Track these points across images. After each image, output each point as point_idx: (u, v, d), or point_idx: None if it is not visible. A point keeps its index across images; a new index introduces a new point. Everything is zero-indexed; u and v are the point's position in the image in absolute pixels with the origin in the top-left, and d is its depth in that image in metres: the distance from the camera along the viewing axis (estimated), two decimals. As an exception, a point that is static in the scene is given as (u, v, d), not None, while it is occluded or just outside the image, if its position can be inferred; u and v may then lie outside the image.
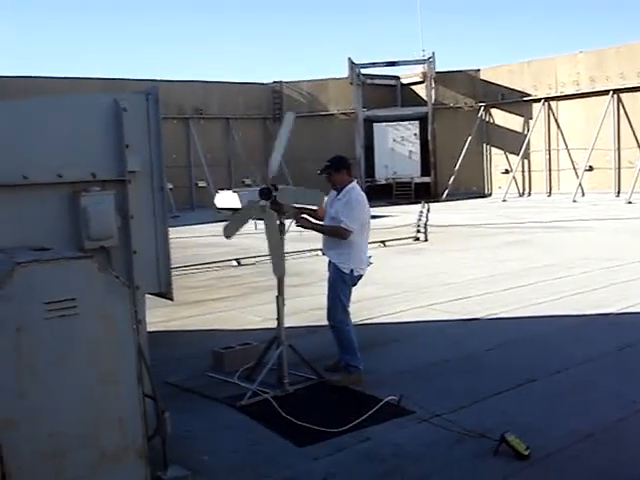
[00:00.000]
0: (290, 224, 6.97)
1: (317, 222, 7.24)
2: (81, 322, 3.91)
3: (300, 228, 7.14)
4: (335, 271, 7.19)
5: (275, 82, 45.26)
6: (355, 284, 7.32)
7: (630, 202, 31.90)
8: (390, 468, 5.17)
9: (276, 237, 6.71)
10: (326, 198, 7.34)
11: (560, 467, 5.11)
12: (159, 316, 9.71)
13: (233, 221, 7.07)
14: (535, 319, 9.61)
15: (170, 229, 5.25)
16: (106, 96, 4.84)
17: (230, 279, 14.19)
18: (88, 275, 3.94)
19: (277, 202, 6.64)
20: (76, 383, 3.94)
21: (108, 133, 4.75)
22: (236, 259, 16.00)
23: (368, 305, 10.57)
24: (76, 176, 4.62)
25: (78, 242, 4.57)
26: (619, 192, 35.76)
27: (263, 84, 45.30)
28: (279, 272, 6.80)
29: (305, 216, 7.14)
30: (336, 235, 7.10)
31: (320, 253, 7.55)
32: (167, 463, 4.88)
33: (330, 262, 7.26)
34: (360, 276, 7.28)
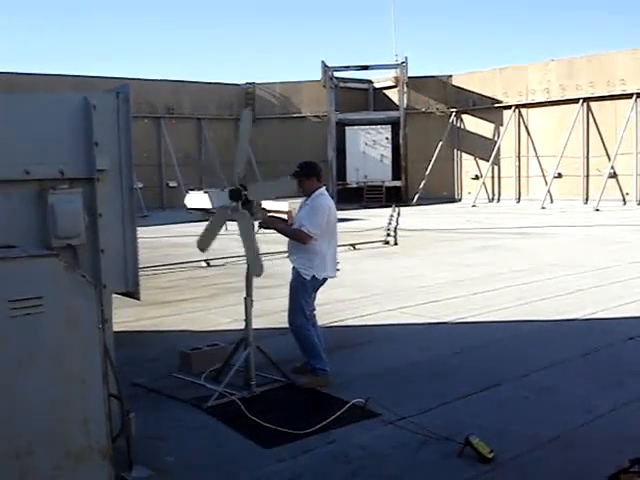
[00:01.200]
0: (259, 229, 6.96)
1: (281, 222, 7.23)
2: (47, 321, 3.88)
3: (263, 230, 7.10)
4: (296, 276, 7.19)
5: (248, 83, 45.21)
6: (317, 290, 7.33)
7: (598, 209, 32.32)
8: (356, 469, 5.19)
9: (251, 237, 6.67)
10: (298, 203, 7.36)
11: (523, 470, 5.16)
12: (127, 316, 9.66)
13: (206, 232, 6.95)
14: (502, 324, 9.69)
15: (139, 229, 5.23)
16: (76, 94, 4.81)
17: (199, 280, 14.15)
18: (54, 273, 3.91)
19: (248, 201, 6.61)
20: (41, 382, 3.90)
21: (77, 131, 4.72)
22: (205, 260, 15.94)
23: (337, 308, 10.61)
24: (44, 173, 4.59)
25: (45, 240, 4.53)
26: (587, 199, 36.23)
27: (236, 85, 45.21)
28: (257, 272, 6.73)
29: (271, 215, 7.13)
30: (296, 239, 7.09)
31: (291, 255, 7.54)
32: (132, 463, 4.86)
33: (293, 267, 7.27)
34: (322, 282, 7.30)
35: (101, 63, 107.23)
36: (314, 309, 7.42)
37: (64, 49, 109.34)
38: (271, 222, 7.13)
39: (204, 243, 6.99)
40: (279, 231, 7.21)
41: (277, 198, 20.22)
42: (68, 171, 4.67)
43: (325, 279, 7.26)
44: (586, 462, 5.20)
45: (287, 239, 7.31)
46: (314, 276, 7.12)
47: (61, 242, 4.52)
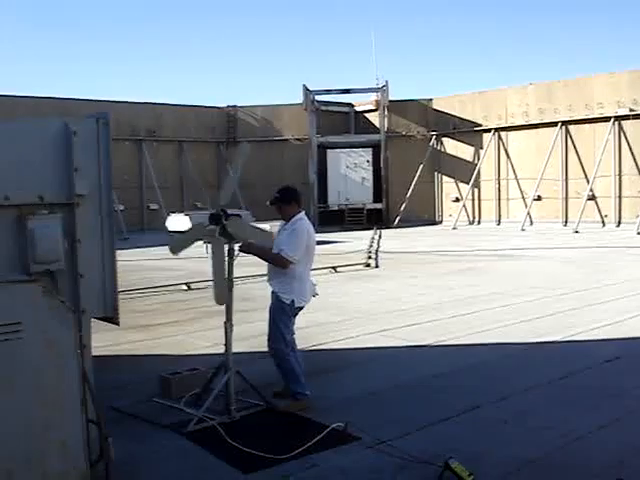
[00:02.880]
0: (238, 253, 6.97)
1: (260, 248, 7.26)
2: (25, 346, 3.88)
3: (243, 253, 7.12)
4: (276, 301, 7.22)
5: (229, 106, 45.33)
6: (296, 314, 7.36)
7: (577, 231, 32.56)
8: (335, 495, 5.19)
9: (221, 263, 6.69)
10: (277, 226, 7.41)
11: (502, 494, 5.19)
12: (106, 340, 9.61)
13: (182, 238, 6.98)
14: (481, 346, 9.74)
15: (119, 252, 5.24)
16: (56, 119, 4.83)
17: (179, 303, 14.10)
18: (33, 299, 3.92)
19: (225, 230, 6.63)
20: (19, 407, 3.90)
21: (57, 156, 4.73)
22: (186, 283, 15.91)
23: (318, 331, 10.62)
24: (23, 199, 4.59)
25: (24, 265, 4.52)
26: (566, 221, 36.48)
27: (217, 108, 45.32)
28: (220, 301, 6.77)
29: (251, 241, 7.15)
30: (276, 263, 7.13)
31: (270, 278, 7.55)
32: (110, 489, 4.83)
33: (272, 291, 7.29)
34: (301, 307, 7.33)
35: (82, 86, 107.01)
36: (294, 333, 7.43)
37: (44, 71, 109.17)
38: (250, 247, 7.15)
39: (176, 247, 6.97)
40: (258, 256, 7.23)
41: (257, 220, 20.21)
42: (48, 196, 4.67)
43: (304, 304, 7.30)
44: (564, 485, 5.23)
45: (266, 263, 7.34)
46: (293, 300, 7.15)
47: (40, 267, 4.51)
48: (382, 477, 5.48)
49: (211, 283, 14.97)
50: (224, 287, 6.74)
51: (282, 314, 7.19)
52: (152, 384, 7.79)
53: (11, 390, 3.88)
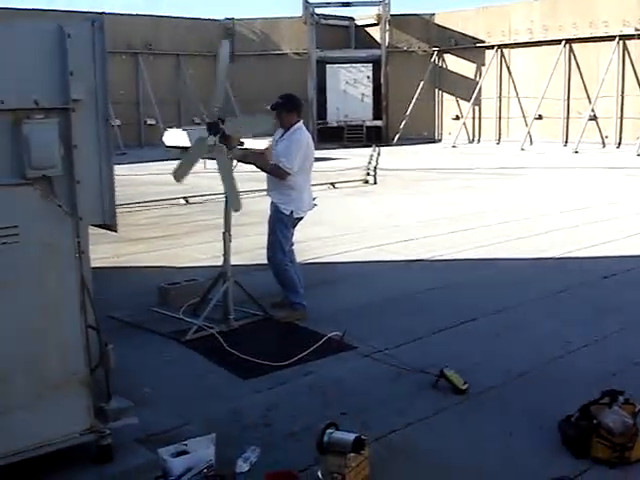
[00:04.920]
0: (237, 164, 6.88)
1: (260, 157, 7.16)
2: (23, 250, 3.87)
3: (242, 164, 7.02)
4: (275, 212, 7.19)
5: (227, 19, 44.36)
6: (295, 225, 7.34)
7: (577, 152, 32.36)
8: (331, 400, 5.28)
9: (229, 171, 6.56)
10: (271, 139, 7.31)
11: (494, 402, 5.27)
12: (104, 252, 9.65)
13: (183, 162, 6.71)
14: (477, 261, 9.79)
15: (117, 166, 5.16)
16: (50, 21, 4.69)
17: (178, 217, 14.10)
18: (31, 203, 3.89)
19: (225, 136, 6.51)
20: (18, 311, 3.91)
21: (52, 60, 4.60)
22: (184, 197, 15.88)
23: (315, 245, 10.65)
24: (18, 103, 4.49)
25: (20, 171, 4.47)
26: (567, 142, 36.16)
27: (215, 20, 44.37)
28: (235, 206, 6.63)
29: (246, 151, 7.03)
30: (274, 174, 7.06)
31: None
32: (110, 394, 4.90)
33: (272, 202, 7.25)
34: (300, 218, 7.30)
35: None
36: (292, 245, 7.45)
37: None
38: (247, 157, 7.06)
39: (181, 173, 6.67)
40: (257, 166, 7.17)
41: (255, 136, 20.02)
42: (43, 101, 4.57)
43: (303, 215, 7.28)
44: (554, 395, 5.30)
45: (265, 176, 7.29)
46: (292, 211, 7.13)
47: (36, 173, 4.45)
48: (378, 385, 5.57)
49: (208, 197, 14.98)
50: (237, 194, 6.63)
51: (281, 225, 7.17)
52: (150, 295, 7.83)
53: (9, 294, 3.88)
